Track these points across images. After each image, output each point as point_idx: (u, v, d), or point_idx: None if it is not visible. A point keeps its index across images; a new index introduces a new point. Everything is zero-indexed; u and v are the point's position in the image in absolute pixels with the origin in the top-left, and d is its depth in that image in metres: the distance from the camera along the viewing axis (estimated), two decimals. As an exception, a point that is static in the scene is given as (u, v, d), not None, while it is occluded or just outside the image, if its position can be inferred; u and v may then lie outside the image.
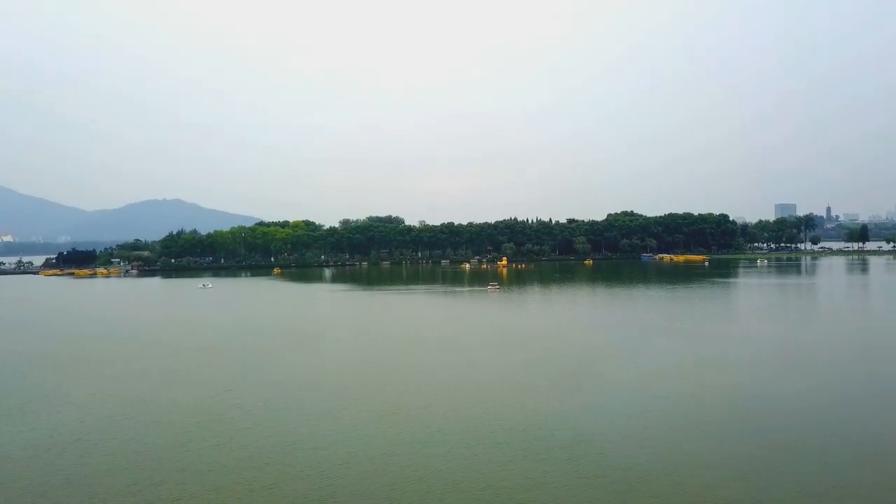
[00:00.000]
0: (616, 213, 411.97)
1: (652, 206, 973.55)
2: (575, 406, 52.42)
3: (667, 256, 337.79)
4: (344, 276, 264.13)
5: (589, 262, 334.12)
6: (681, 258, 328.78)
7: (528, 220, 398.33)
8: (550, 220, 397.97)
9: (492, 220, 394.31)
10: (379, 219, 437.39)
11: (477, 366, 70.26)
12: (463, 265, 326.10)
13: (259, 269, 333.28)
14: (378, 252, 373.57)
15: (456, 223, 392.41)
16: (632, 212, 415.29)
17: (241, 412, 52.72)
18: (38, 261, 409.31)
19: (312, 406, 54.33)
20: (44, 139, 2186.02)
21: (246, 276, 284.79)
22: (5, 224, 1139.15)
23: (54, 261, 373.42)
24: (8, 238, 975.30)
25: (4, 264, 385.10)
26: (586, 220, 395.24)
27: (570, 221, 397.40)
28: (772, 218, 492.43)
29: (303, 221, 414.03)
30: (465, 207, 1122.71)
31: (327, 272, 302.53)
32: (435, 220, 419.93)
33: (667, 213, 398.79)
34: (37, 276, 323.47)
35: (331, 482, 37.44)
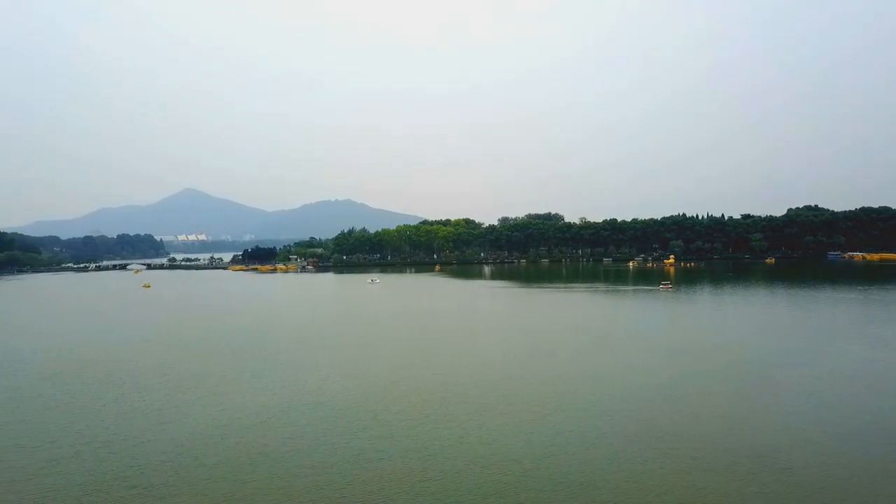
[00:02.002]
0: (797, 208, 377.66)
1: (840, 200, 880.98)
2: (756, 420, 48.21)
3: (858, 255, 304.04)
4: (503, 274, 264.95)
5: (770, 260, 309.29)
6: (876, 257, 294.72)
7: (697, 215, 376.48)
8: (723, 215, 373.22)
9: (657, 216, 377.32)
10: (538, 216, 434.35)
11: (650, 371, 67.04)
12: (630, 263, 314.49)
13: (422, 265, 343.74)
14: (537, 249, 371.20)
15: (619, 219, 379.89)
16: (816, 206, 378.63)
17: (409, 404, 54.06)
18: (227, 257, 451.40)
19: (478, 401, 54.45)
20: (234, 147, 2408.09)
21: (410, 272, 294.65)
22: (200, 224, 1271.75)
23: (240, 257, 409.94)
24: (202, 237, 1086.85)
25: (199, 260, 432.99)
26: (763, 216, 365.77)
27: (745, 217, 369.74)
28: None
29: (463, 220, 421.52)
30: (628, 204, 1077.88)
31: (486, 269, 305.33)
32: (597, 216, 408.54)
33: (859, 208, 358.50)
34: (226, 271, 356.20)
35: (500, 478, 37.18)
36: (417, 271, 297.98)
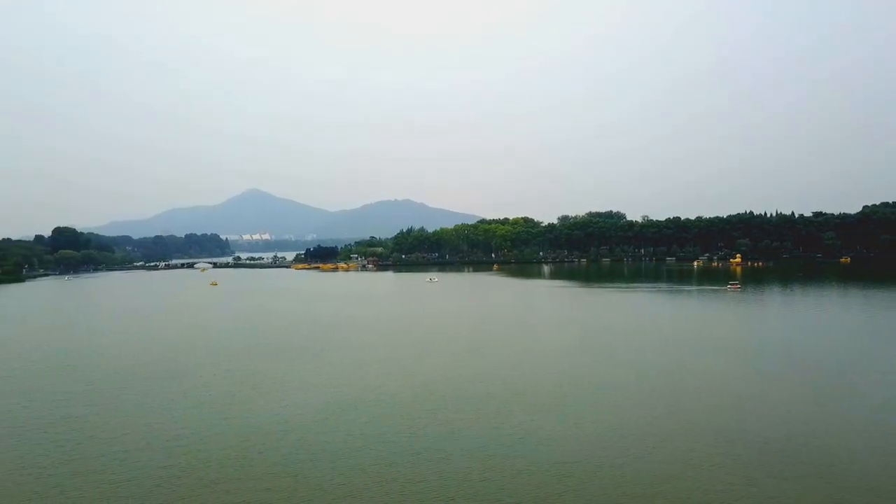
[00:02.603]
0: (874, 205, 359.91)
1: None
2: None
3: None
4: (562, 273, 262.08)
5: (845, 259, 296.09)
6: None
7: (765, 213, 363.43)
8: (792, 213, 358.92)
9: (723, 213, 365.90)
10: (598, 214, 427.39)
11: (718, 375, 65.05)
12: (694, 262, 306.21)
13: (480, 264, 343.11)
14: (598, 249, 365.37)
15: (682, 217, 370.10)
16: (894, 203, 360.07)
17: (469, 403, 53.91)
18: (290, 256, 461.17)
19: (537, 401, 53.91)
20: (297, 149, 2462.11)
21: (468, 271, 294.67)
22: (264, 224, 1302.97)
23: (303, 256, 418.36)
24: (266, 236, 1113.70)
25: (263, 259, 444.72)
26: (836, 213, 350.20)
27: (817, 215, 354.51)
28: None
29: (522, 218, 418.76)
30: (689, 202, 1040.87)
31: (545, 268, 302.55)
32: (660, 214, 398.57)
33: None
34: (289, 269, 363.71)
35: (560, 481, 36.66)
36: (475, 270, 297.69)
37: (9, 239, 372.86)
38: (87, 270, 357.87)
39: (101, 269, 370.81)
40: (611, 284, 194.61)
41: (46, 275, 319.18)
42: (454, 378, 63.75)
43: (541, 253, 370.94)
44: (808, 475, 36.83)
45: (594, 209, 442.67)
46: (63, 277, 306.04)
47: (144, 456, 42.28)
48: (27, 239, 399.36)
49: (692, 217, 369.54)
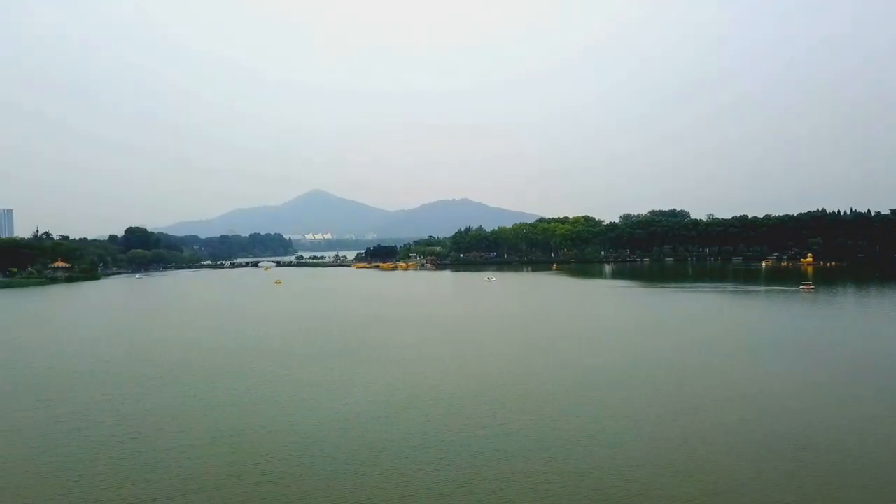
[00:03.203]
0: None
1: None
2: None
3: None
4: (624, 273, 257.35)
5: None
6: None
7: (839, 210, 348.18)
8: (868, 210, 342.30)
9: (793, 211, 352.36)
10: (662, 213, 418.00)
11: (800, 380, 62.46)
12: (764, 262, 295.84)
13: (539, 264, 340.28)
14: (660, 248, 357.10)
15: (749, 216, 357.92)
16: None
17: (528, 402, 53.26)
18: (351, 255, 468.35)
19: (599, 401, 52.77)
20: (358, 150, 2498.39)
21: (527, 270, 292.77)
22: (326, 223, 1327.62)
23: (363, 255, 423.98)
24: (328, 236, 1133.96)
25: (325, 258, 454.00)
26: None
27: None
28: None
29: (582, 217, 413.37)
30: (755, 201, 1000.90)
31: (607, 268, 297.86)
32: (725, 213, 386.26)
33: None
34: (349, 268, 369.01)
35: (624, 485, 35.60)
36: (534, 270, 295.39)
37: (86, 238, 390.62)
38: (156, 269, 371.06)
39: (170, 268, 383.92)
40: (675, 284, 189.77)
41: (119, 273, 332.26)
42: (514, 378, 63.19)
43: (602, 252, 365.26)
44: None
45: (657, 208, 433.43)
46: (134, 276, 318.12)
47: (210, 451, 43.17)
48: (102, 238, 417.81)
49: (759, 215, 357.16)
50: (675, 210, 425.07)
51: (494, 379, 62.90)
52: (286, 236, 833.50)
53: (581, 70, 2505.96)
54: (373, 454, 41.74)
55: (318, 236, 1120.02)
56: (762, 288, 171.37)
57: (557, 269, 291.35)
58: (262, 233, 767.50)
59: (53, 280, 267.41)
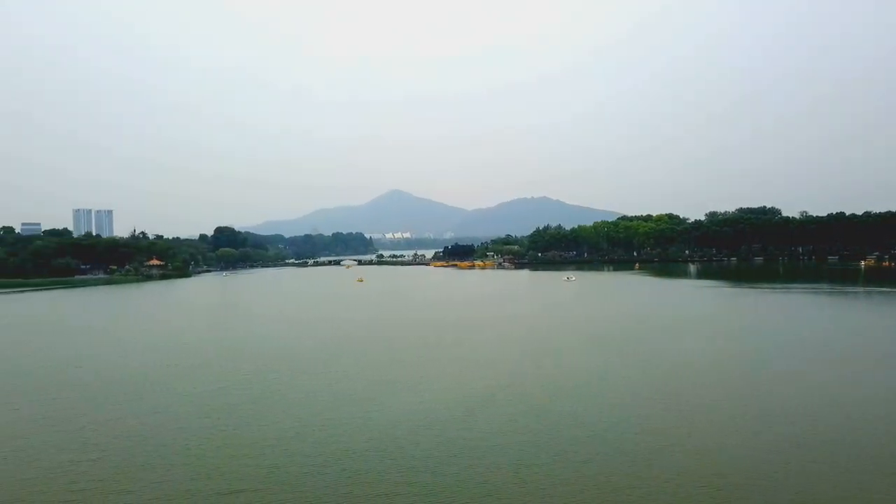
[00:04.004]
0: None
1: None
2: None
3: None
4: (710, 272, 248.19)
5: None
6: None
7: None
8: None
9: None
10: (750, 210, 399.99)
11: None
12: (863, 261, 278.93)
13: (620, 263, 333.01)
14: (749, 247, 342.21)
15: (847, 213, 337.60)
16: None
17: (611, 405, 52.00)
18: (429, 254, 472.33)
19: (683, 407, 50.92)
20: (435, 150, 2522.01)
21: (608, 270, 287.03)
22: (405, 222, 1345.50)
23: (441, 254, 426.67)
24: (407, 234, 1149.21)
25: (404, 256, 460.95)
26: None
27: None
28: None
29: (666, 215, 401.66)
30: (850, 198, 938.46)
31: (691, 267, 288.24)
32: (819, 210, 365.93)
33: None
34: (428, 267, 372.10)
35: (712, 493, 34.15)
36: (615, 269, 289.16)
37: (178, 238, 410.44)
38: (243, 267, 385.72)
39: (256, 266, 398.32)
40: (765, 285, 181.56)
41: (208, 271, 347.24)
42: (596, 380, 61.86)
43: (686, 251, 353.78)
44: None
45: (745, 205, 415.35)
46: (221, 273, 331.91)
47: (294, 445, 44.14)
48: (193, 238, 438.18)
49: (858, 212, 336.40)
50: (764, 207, 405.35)
51: (575, 381, 61.74)
52: (367, 235, 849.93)
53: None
54: (451, 453, 41.59)
55: (398, 235, 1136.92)
56: (861, 289, 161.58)
57: (640, 269, 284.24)
58: (344, 232, 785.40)
59: (149, 277, 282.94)
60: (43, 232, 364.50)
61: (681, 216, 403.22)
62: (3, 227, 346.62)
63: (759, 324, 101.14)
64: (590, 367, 67.70)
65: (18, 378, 68.99)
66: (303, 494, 35.58)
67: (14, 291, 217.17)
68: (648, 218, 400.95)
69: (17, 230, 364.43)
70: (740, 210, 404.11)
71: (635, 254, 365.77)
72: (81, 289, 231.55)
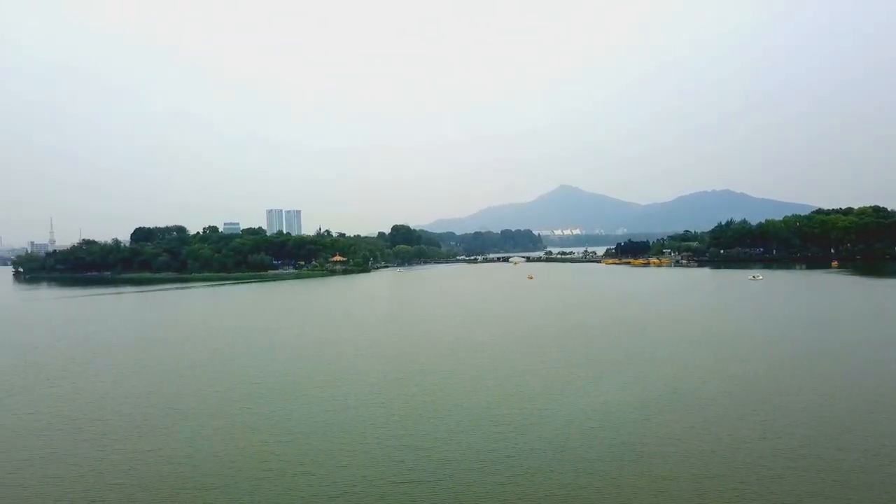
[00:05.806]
0: None
1: None
2: None
3: None
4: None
5: None
6: None
7: None
8: None
9: None
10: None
11: None
12: None
13: (815, 261, 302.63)
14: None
15: None
16: None
17: (805, 415, 47.27)
18: (600, 251, 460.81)
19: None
20: (607, 144, 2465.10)
21: (800, 268, 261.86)
22: (574, 219, 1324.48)
23: (613, 251, 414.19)
24: (577, 231, 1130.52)
25: (574, 253, 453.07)
26: None
27: None
28: None
29: (870, 207, 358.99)
30: None
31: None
32: None
33: None
34: (598, 264, 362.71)
35: None
36: (808, 267, 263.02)
37: (359, 235, 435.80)
38: (417, 263, 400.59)
39: (429, 262, 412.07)
40: None
41: (386, 266, 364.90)
42: (787, 388, 56.55)
43: (895, 248, 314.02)
44: None
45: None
46: (397, 269, 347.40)
47: (466, 438, 44.83)
48: (372, 235, 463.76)
49: None
50: None
51: (765, 387, 56.74)
52: (535, 232, 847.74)
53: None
54: (627, 455, 40.27)
55: (567, 231, 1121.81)
56: None
57: (838, 267, 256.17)
58: (513, 229, 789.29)
59: (332, 272, 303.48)
60: (241, 231, 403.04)
61: (888, 209, 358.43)
62: (210, 227, 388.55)
63: None
64: (788, 374, 61.76)
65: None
66: (473, 488, 35.52)
67: (217, 284, 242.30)
68: (849, 211, 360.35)
69: (220, 229, 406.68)
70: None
71: (833, 251, 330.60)
72: (273, 282, 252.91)
